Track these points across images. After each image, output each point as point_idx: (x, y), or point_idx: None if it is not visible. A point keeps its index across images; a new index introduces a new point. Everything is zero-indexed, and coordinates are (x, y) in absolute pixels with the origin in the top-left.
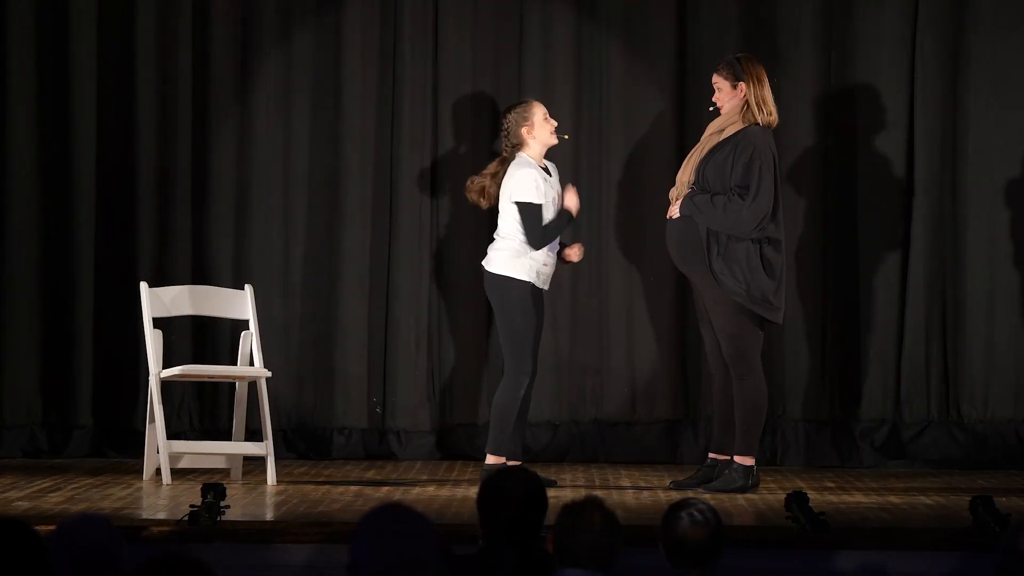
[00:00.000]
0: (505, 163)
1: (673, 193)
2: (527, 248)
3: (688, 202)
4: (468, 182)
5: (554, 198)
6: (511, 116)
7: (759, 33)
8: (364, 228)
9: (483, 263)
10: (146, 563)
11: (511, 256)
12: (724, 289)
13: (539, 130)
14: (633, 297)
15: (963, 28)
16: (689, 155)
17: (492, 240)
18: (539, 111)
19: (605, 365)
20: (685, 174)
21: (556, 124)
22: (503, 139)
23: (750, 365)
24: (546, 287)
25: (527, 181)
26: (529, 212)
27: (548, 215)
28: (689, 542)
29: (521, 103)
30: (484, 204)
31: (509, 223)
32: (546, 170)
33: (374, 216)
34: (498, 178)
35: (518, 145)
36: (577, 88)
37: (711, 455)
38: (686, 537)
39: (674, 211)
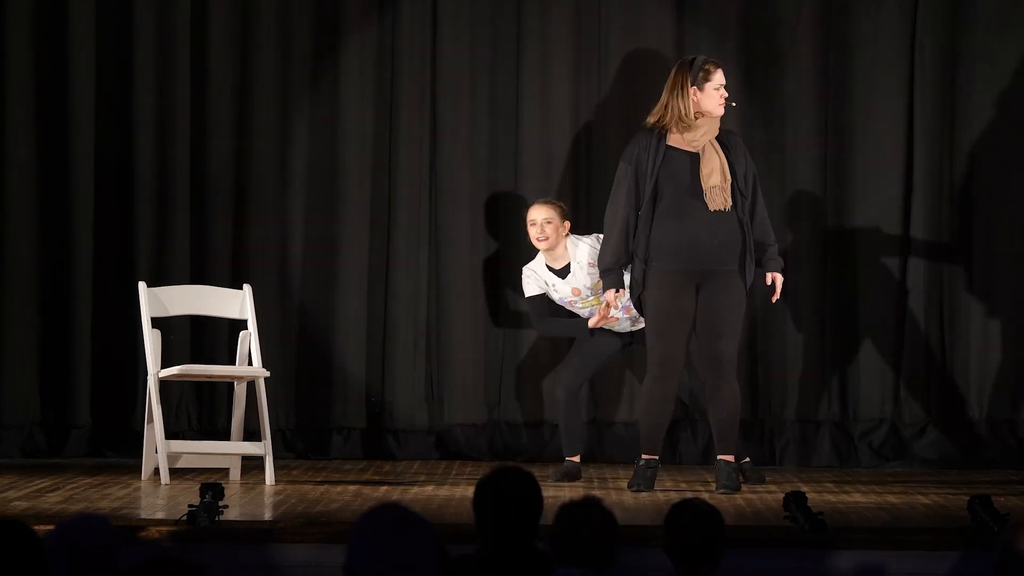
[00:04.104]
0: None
1: (720, 197)
2: None
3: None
4: None
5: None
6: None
7: (758, 33)
8: (362, 228)
9: None
10: (140, 566)
11: None
12: (742, 292)
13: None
14: None
15: (962, 28)
16: (709, 155)
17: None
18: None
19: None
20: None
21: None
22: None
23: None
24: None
25: (523, 281)
26: (528, 305)
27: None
28: (692, 543)
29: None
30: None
31: None
32: (558, 272)
33: (372, 216)
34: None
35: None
36: (576, 88)
37: (748, 459)
38: (690, 538)
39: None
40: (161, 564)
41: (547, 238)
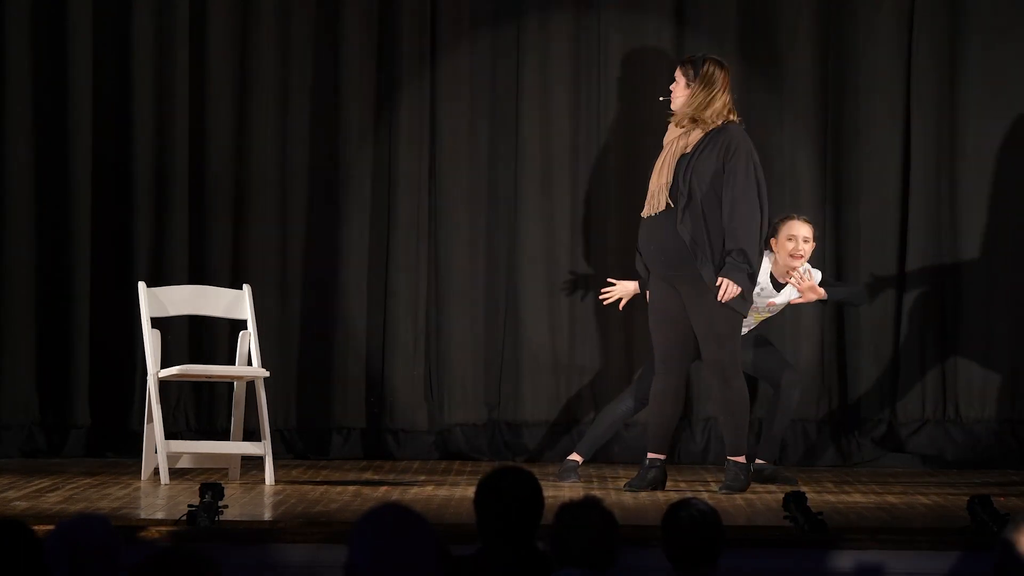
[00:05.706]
0: None
1: (652, 200)
2: None
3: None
4: None
5: None
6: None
7: (757, 34)
8: (362, 228)
9: None
10: (146, 561)
11: None
12: (713, 294)
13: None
14: (631, 297)
15: (958, 29)
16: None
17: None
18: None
19: (604, 365)
20: None
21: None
22: None
23: (739, 367)
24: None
25: None
26: None
27: None
28: (690, 542)
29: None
30: None
31: None
32: None
33: (372, 216)
34: None
35: None
36: (575, 88)
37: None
38: (687, 537)
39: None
40: (170, 559)
41: (802, 256)
